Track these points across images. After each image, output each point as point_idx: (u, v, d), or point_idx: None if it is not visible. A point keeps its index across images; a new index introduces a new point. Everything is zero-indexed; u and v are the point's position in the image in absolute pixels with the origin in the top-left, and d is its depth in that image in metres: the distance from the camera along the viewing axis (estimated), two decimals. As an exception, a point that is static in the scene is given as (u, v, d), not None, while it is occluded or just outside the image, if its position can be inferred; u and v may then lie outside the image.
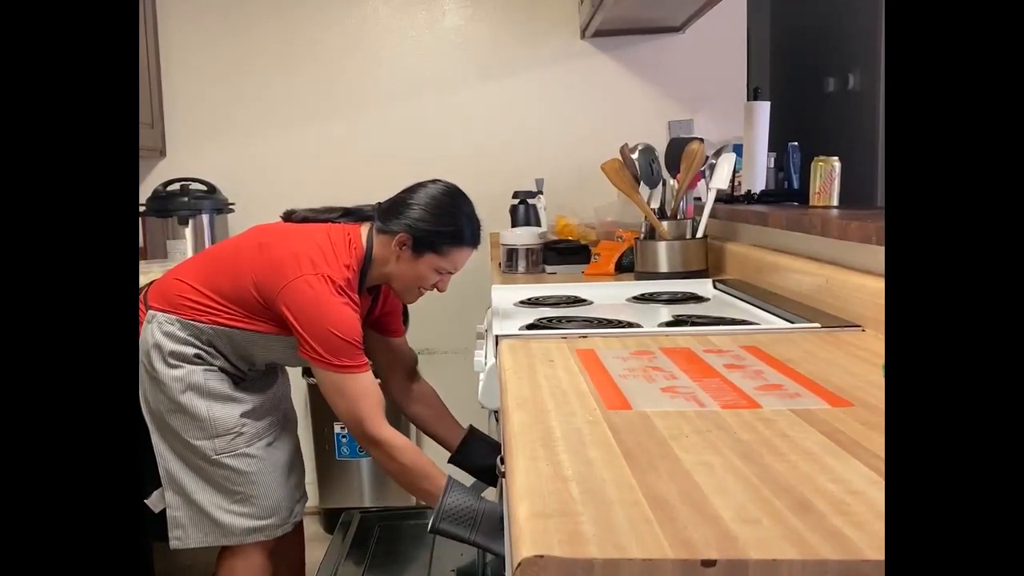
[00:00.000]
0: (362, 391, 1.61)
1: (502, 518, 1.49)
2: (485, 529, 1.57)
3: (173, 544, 1.71)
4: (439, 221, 1.67)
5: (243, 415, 1.71)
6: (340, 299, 1.60)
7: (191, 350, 1.68)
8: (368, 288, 1.76)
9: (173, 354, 1.67)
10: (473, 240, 1.71)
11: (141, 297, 1.75)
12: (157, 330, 1.68)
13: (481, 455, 1.86)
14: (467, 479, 1.82)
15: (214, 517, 1.70)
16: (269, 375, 1.85)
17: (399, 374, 1.97)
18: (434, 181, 1.75)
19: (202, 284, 1.69)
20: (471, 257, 1.76)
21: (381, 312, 1.88)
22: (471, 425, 1.94)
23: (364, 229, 1.71)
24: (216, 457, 1.69)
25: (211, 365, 1.70)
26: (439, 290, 1.73)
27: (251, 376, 1.79)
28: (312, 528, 2.96)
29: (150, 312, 1.70)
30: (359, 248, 1.68)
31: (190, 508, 1.71)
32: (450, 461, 1.91)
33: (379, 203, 1.75)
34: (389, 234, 1.68)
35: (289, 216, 1.79)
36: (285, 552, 1.94)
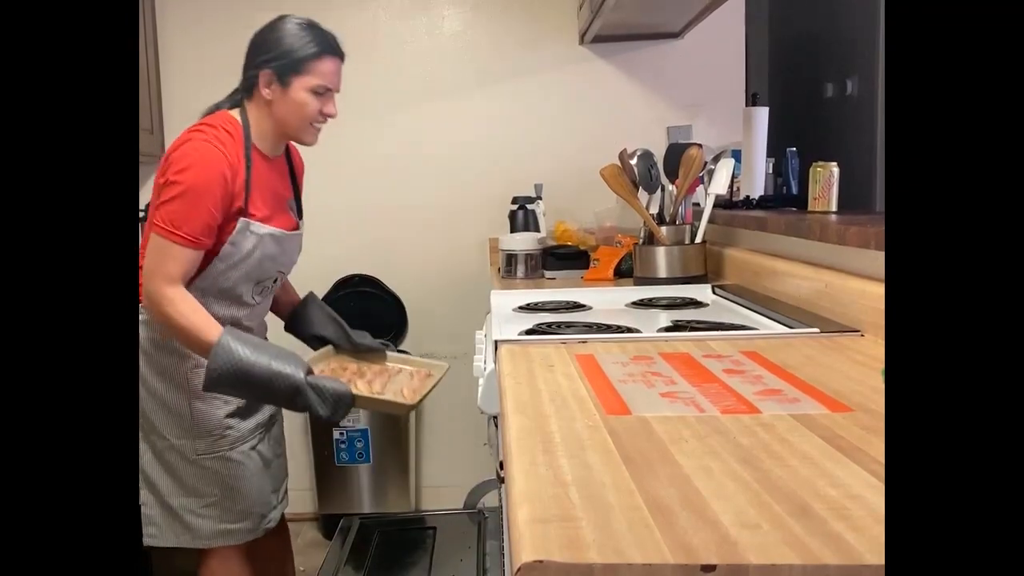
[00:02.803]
0: (172, 255, 1.57)
1: (269, 379, 1.53)
2: (250, 389, 1.56)
3: (146, 541, 1.72)
4: (287, 43, 1.65)
5: (228, 415, 1.71)
6: (207, 149, 1.59)
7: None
8: (276, 156, 1.76)
9: (158, 348, 1.66)
10: (330, 47, 1.69)
11: None
12: (139, 328, 1.67)
13: (318, 323, 1.88)
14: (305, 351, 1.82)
15: (185, 520, 1.71)
16: None
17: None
18: (270, 21, 1.72)
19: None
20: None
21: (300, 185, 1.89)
22: (310, 292, 1.95)
23: (234, 111, 1.71)
24: (196, 458, 1.69)
25: (199, 359, 1.67)
26: (329, 115, 1.71)
27: None
28: (311, 534, 2.96)
29: None
30: (234, 122, 1.67)
31: (162, 508, 1.71)
32: (286, 330, 1.93)
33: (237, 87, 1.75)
34: (254, 87, 1.68)
35: None
36: (271, 554, 1.94)
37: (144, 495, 1.72)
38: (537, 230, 2.67)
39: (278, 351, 1.59)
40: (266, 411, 1.84)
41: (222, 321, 1.70)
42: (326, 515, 2.92)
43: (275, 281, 1.80)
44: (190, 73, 2.98)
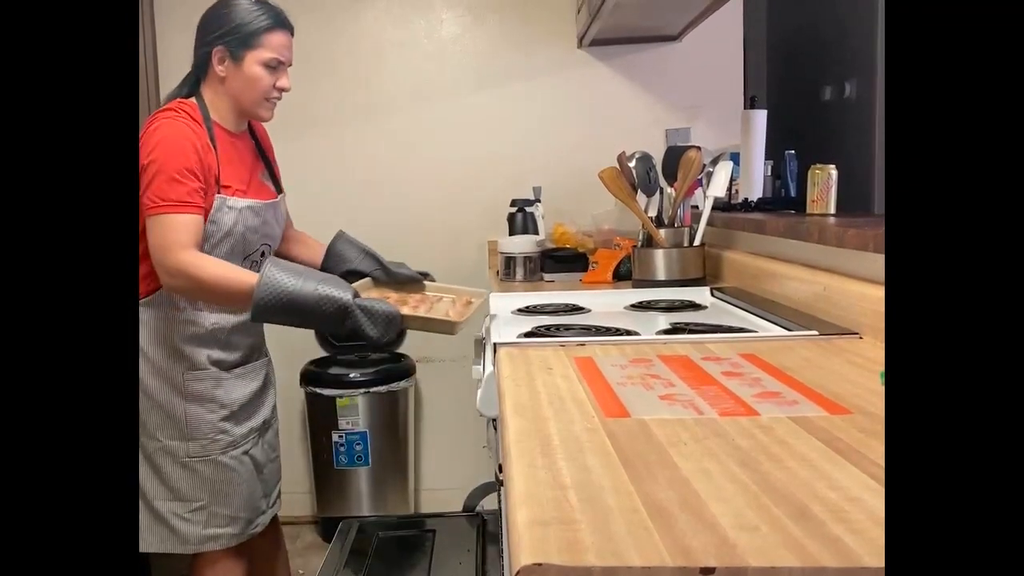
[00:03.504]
0: (171, 225, 1.56)
1: (318, 301, 1.51)
2: (299, 312, 1.52)
3: None
4: (238, 18, 1.66)
5: (223, 419, 1.71)
6: (171, 128, 1.60)
7: (169, 335, 1.67)
8: (240, 131, 1.77)
9: (154, 348, 1.66)
10: (279, 20, 1.70)
11: None
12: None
13: (353, 258, 1.87)
14: None
15: (171, 524, 1.70)
16: (255, 374, 1.84)
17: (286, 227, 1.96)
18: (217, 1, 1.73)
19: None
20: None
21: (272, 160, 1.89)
22: (340, 230, 1.94)
23: (191, 98, 1.72)
24: (186, 460, 1.69)
25: (194, 361, 1.68)
26: (283, 88, 1.71)
27: (240, 345, 1.78)
28: (310, 537, 2.96)
29: None
30: (191, 104, 1.68)
31: (149, 512, 1.71)
32: (321, 268, 1.89)
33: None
34: (207, 67, 1.69)
35: None
36: (263, 553, 1.93)
37: None
38: (536, 233, 2.67)
39: (323, 276, 1.58)
40: (260, 416, 1.83)
41: (220, 307, 1.71)
42: (325, 518, 2.91)
43: (263, 255, 1.79)
44: (189, 76, 2.98)
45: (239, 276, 1.56)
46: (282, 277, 1.52)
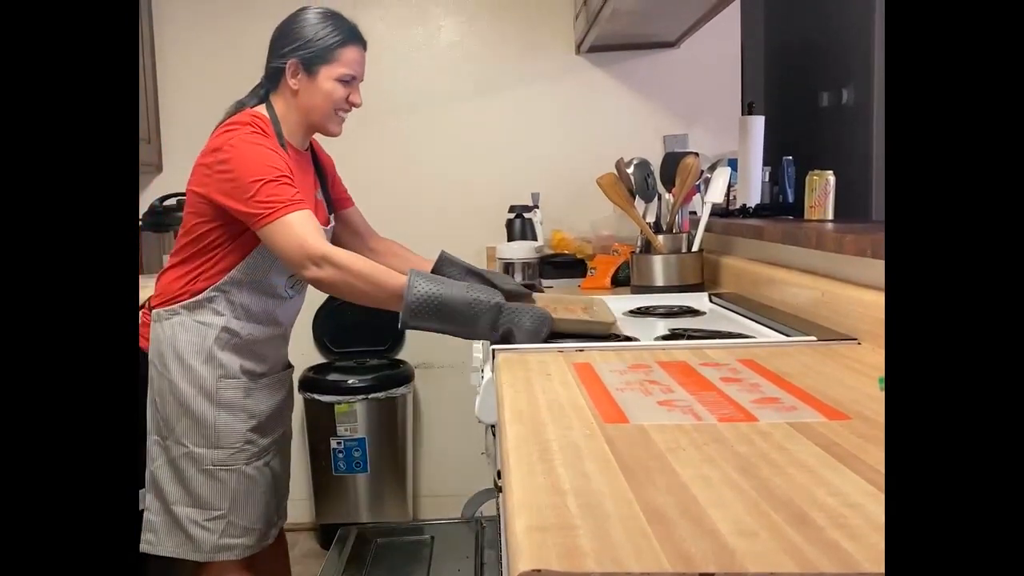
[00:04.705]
0: (297, 221, 1.55)
1: (470, 303, 1.46)
2: (452, 316, 1.48)
3: (143, 547, 1.71)
4: (315, 31, 1.66)
5: (250, 430, 1.71)
6: (254, 139, 1.59)
7: (206, 340, 1.66)
8: (304, 149, 1.77)
9: (189, 353, 1.66)
10: (354, 36, 1.70)
11: (144, 308, 1.75)
12: (168, 330, 1.67)
13: (457, 278, 1.79)
14: None
15: (188, 531, 1.69)
16: (281, 384, 1.84)
17: (360, 242, 1.95)
18: (293, 13, 1.72)
19: (179, 255, 1.69)
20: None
21: (333, 182, 1.89)
22: (442, 251, 1.88)
23: (260, 107, 1.71)
24: (211, 467, 1.68)
25: (228, 369, 1.68)
26: (354, 104, 1.72)
27: (270, 357, 1.78)
28: (308, 544, 2.95)
29: (155, 312, 1.70)
30: (263, 117, 1.67)
31: (167, 516, 1.70)
32: None
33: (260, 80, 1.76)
34: (280, 78, 1.69)
35: None
36: (269, 564, 1.93)
37: (150, 500, 1.71)
38: (534, 239, 2.67)
39: (465, 283, 1.56)
40: (281, 426, 1.83)
41: (257, 317, 1.72)
42: (323, 525, 2.91)
43: None
44: (187, 82, 2.99)
45: (387, 275, 1.54)
46: (428, 282, 1.50)
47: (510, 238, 2.68)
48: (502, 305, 1.47)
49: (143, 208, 2.81)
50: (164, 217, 2.75)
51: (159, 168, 3.00)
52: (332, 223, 1.85)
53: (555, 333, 1.47)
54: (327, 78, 1.68)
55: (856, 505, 0.68)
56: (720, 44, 2.92)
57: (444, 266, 1.85)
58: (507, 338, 1.46)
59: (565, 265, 2.49)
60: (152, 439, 1.71)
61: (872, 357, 1.25)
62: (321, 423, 2.82)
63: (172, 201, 2.81)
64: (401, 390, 2.87)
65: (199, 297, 1.67)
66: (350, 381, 2.82)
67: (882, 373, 1.07)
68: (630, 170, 2.17)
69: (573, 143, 2.96)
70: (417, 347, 3.05)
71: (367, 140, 2.98)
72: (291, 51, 1.67)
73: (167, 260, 1.76)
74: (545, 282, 2.45)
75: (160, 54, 2.97)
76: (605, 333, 1.51)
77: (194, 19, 2.99)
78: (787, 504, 0.68)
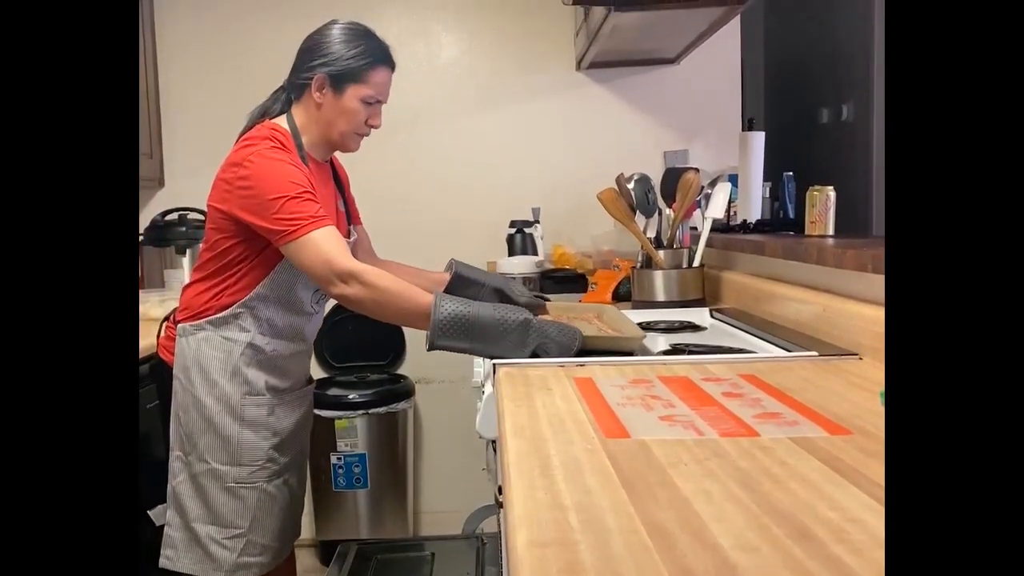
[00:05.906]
0: (322, 238, 1.54)
1: (499, 321, 1.45)
2: (481, 335, 1.47)
3: (162, 562, 1.70)
4: (346, 49, 1.65)
5: (272, 448, 1.70)
6: (274, 154, 1.58)
7: (232, 356, 1.66)
8: (325, 161, 1.77)
9: (215, 369, 1.66)
10: (385, 58, 1.69)
11: (169, 322, 1.76)
12: (194, 345, 1.67)
13: (473, 289, 1.81)
14: None
15: (207, 549, 1.68)
16: (303, 400, 1.83)
17: (367, 258, 1.92)
18: (325, 25, 1.71)
19: (202, 270, 1.69)
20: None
21: (348, 195, 1.89)
22: (454, 260, 1.87)
23: (280, 119, 1.70)
24: (232, 485, 1.67)
25: (254, 385, 1.67)
26: (373, 126, 1.71)
27: (294, 372, 1.77)
28: (308, 560, 2.94)
29: (180, 327, 1.69)
30: (282, 130, 1.66)
31: (187, 532, 1.69)
32: None
33: (283, 85, 1.75)
34: (304, 90, 1.68)
35: None
36: None
37: (171, 515, 1.70)
38: (535, 254, 2.67)
39: (489, 303, 1.55)
40: (300, 443, 1.83)
41: (283, 333, 1.71)
42: (324, 541, 2.89)
43: None
44: (189, 97, 3.00)
45: (415, 293, 1.53)
46: (454, 300, 1.49)
47: (511, 253, 2.69)
48: (530, 321, 1.46)
49: (144, 223, 2.81)
50: (165, 232, 2.75)
51: (160, 183, 3.01)
52: (354, 235, 1.84)
53: (584, 351, 1.45)
54: (353, 97, 1.66)
55: (858, 520, 0.67)
56: (720, 60, 2.93)
57: (458, 283, 1.83)
58: (538, 354, 1.44)
59: (566, 280, 2.49)
60: (175, 454, 1.70)
61: (873, 372, 1.25)
62: (321, 438, 2.81)
63: (173, 216, 2.81)
64: (402, 405, 2.86)
65: (225, 313, 1.66)
66: (350, 396, 2.81)
67: (883, 388, 1.07)
68: (631, 185, 2.17)
69: (574, 158, 2.97)
70: (417, 362, 3.04)
71: (368, 155, 2.95)
72: (320, 64, 1.65)
73: (188, 275, 1.76)
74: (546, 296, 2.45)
75: (162, 69, 2.99)
76: (631, 349, 1.49)
77: (196, 34, 3.01)
78: (789, 519, 0.68)
